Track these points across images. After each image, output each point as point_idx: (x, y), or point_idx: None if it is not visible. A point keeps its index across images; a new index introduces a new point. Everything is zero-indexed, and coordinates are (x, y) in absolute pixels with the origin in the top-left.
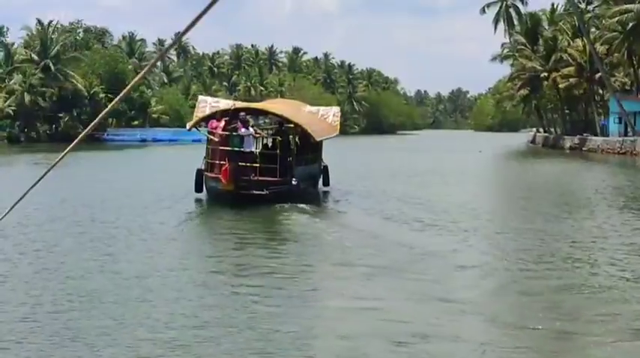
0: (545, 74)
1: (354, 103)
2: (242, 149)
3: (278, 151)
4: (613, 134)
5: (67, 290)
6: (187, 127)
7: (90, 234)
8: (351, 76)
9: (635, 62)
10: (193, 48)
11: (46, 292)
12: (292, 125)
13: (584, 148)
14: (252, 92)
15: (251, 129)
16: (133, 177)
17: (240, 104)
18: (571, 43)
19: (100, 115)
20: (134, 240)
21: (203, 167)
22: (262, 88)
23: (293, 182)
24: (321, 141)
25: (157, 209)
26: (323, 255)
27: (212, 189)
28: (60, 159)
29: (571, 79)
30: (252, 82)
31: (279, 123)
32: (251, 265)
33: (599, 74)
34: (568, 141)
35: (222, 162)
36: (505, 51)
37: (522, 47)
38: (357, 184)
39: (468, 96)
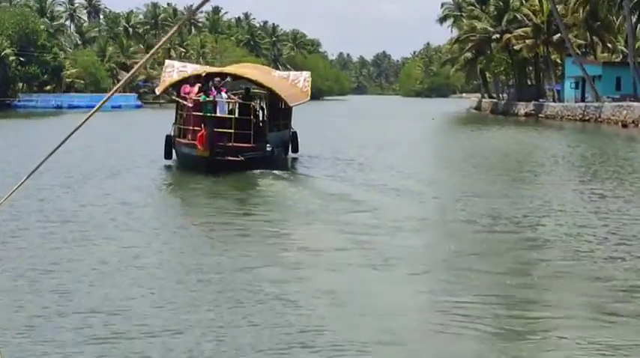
0: (497, 36)
1: (280, 67)
2: (216, 115)
3: (252, 117)
4: (569, 100)
5: (25, 279)
6: (157, 92)
7: (55, 211)
8: (275, 38)
9: (592, 24)
10: (106, 7)
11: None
12: (265, 91)
13: (540, 115)
14: (173, 54)
15: (224, 95)
16: (76, 146)
17: (211, 69)
18: (524, 2)
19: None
20: (104, 212)
21: (173, 133)
22: (183, 50)
23: (267, 148)
24: (291, 108)
25: (125, 177)
26: (306, 223)
27: (185, 155)
28: None
29: (527, 41)
30: (172, 43)
31: (246, 88)
32: (229, 226)
33: (557, 35)
34: (522, 108)
35: (196, 128)
36: (446, 11)
37: (472, 7)
38: (325, 151)
39: (393, 59)
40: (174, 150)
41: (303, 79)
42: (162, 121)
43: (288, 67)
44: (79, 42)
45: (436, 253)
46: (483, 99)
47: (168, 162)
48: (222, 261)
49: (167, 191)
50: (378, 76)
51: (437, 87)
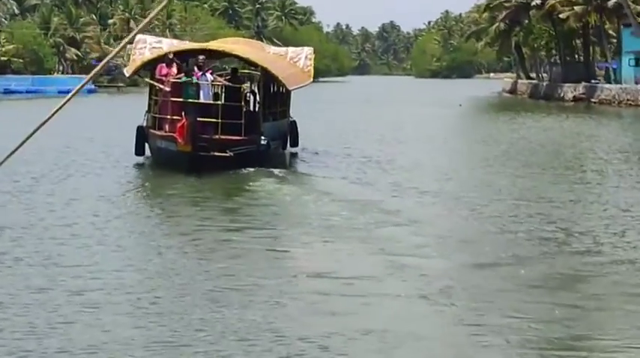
0: (538, 1)
1: (264, 41)
2: (200, 101)
3: (242, 103)
4: (627, 80)
5: None
6: (126, 74)
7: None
8: (258, 6)
9: None
10: None
11: None
12: (258, 71)
13: (592, 99)
14: (133, 26)
15: (209, 76)
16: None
17: (192, 45)
18: None
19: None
20: (62, 227)
21: (145, 123)
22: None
23: (262, 141)
24: (290, 92)
25: (86, 180)
26: (323, 240)
27: (161, 150)
28: None
29: (575, 8)
30: (132, 12)
31: (233, 68)
32: (221, 246)
33: (612, 1)
34: (569, 91)
35: (175, 117)
36: None
37: None
38: (333, 146)
39: (403, 32)
40: (147, 145)
41: (304, 56)
42: (125, 109)
43: (275, 41)
44: (17, 11)
45: (499, 278)
46: (519, 81)
47: (140, 159)
48: (217, 298)
49: (140, 197)
50: (385, 52)
51: (458, 65)
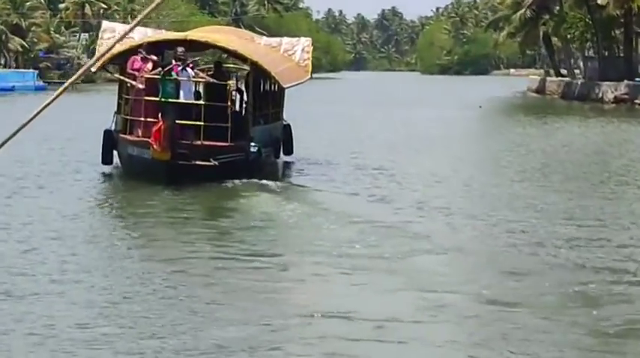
0: None
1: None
2: (179, 100)
3: (229, 104)
4: None
5: None
6: (93, 69)
7: None
8: None
9: None
10: None
11: None
12: (247, 65)
13: (636, 101)
14: (88, 11)
15: (190, 71)
16: None
17: (168, 35)
18: None
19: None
20: (17, 256)
21: (115, 127)
22: (103, 6)
23: (251, 148)
24: (283, 90)
25: (44, 195)
26: (337, 271)
27: (133, 158)
28: None
29: None
30: None
31: (216, 62)
32: (210, 279)
33: None
34: (609, 90)
35: (150, 120)
36: None
37: None
38: (335, 155)
39: (407, 20)
40: (115, 152)
41: (300, 48)
42: (84, 110)
43: (257, 29)
44: None
45: (562, 323)
46: (548, 78)
47: (107, 169)
48: (209, 347)
49: (109, 216)
50: (385, 43)
51: (472, 59)
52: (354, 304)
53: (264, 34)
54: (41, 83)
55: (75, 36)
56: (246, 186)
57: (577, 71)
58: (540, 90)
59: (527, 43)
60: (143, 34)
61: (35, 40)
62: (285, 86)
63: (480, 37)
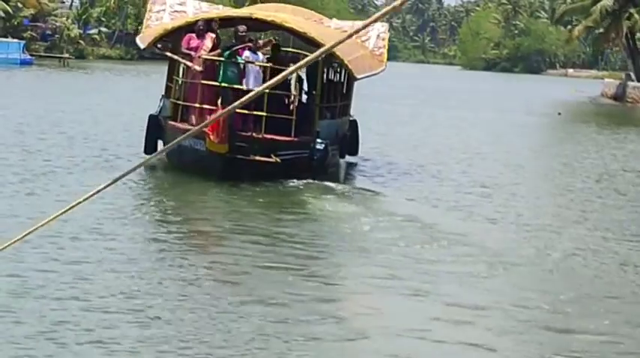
0: None
1: None
2: (246, 87)
3: (293, 93)
4: None
5: None
6: (142, 46)
7: None
8: None
9: None
10: None
11: None
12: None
13: None
14: None
15: (260, 55)
16: None
17: (232, 11)
18: None
19: None
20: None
21: (164, 113)
22: None
23: (318, 145)
24: (353, 82)
25: (80, 184)
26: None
27: (183, 149)
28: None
29: None
30: None
31: (274, 45)
32: (257, 287)
33: None
34: None
35: (207, 106)
36: None
37: None
38: (396, 158)
39: (447, 5)
40: (161, 141)
41: (375, 34)
42: (88, 88)
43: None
44: None
45: None
46: (630, 83)
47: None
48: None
49: (154, 212)
50: (419, 31)
51: (524, 55)
52: (407, 322)
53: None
54: (28, 56)
55: (64, 2)
56: (311, 188)
57: None
58: (619, 96)
59: (606, 40)
60: (197, 9)
61: (20, 4)
62: (358, 77)
63: (535, 28)
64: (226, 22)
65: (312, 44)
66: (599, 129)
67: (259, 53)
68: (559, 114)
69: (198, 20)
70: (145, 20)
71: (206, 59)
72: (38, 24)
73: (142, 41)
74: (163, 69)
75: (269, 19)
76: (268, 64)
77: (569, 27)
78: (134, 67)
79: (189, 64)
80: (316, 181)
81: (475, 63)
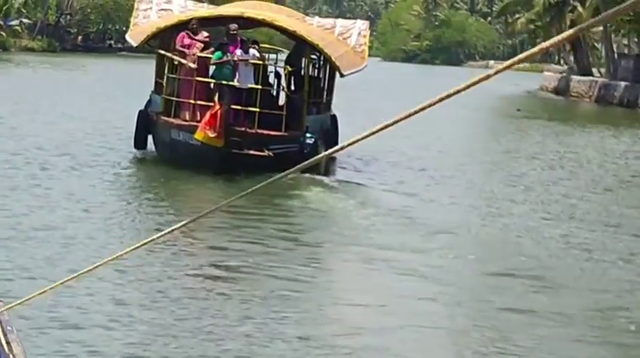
0: None
1: None
2: (238, 84)
3: (285, 89)
4: None
5: None
6: (134, 44)
7: None
8: None
9: None
10: None
11: None
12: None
13: None
14: None
15: (253, 53)
16: None
17: (222, 10)
18: None
19: None
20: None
21: (154, 108)
22: None
23: (307, 139)
24: (334, 77)
25: (80, 182)
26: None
27: (177, 144)
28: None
29: None
30: None
31: (254, 42)
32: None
33: None
34: None
35: (202, 103)
36: None
37: None
38: (373, 151)
39: None
40: (150, 136)
41: (356, 32)
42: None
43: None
44: None
45: None
46: (574, 77)
47: (139, 154)
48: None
49: (149, 206)
50: None
51: (444, 47)
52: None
53: None
54: None
55: None
56: (302, 181)
57: (602, 70)
58: (561, 90)
59: (548, 33)
60: (182, 7)
61: None
62: (344, 73)
63: (455, 20)
64: (214, 20)
65: (301, 40)
66: (571, 127)
67: (252, 50)
68: (518, 110)
69: (191, 19)
70: (132, 18)
71: (201, 57)
72: None
73: (132, 39)
74: (92, 61)
75: (260, 17)
76: (260, 62)
77: (510, 20)
78: (68, 59)
79: (183, 61)
80: (306, 175)
81: (395, 54)
